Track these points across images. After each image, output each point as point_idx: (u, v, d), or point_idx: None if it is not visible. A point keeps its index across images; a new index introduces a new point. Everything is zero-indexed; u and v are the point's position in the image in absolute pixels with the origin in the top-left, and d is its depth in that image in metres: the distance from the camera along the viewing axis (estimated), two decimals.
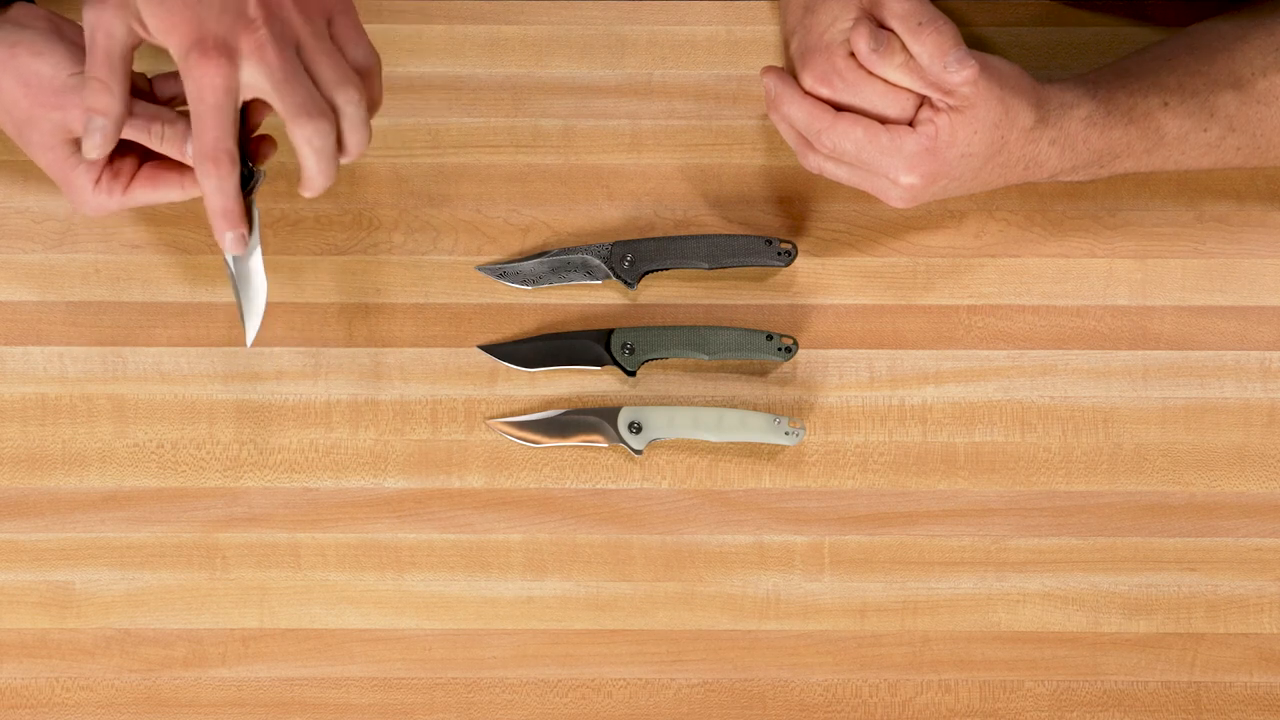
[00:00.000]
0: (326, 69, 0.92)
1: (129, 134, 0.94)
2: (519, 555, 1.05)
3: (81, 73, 0.94)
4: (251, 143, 0.97)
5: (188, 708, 1.04)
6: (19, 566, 1.05)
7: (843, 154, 0.97)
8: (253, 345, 1.03)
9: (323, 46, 0.92)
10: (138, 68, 0.97)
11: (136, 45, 0.92)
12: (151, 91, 0.99)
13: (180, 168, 0.97)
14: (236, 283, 0.98)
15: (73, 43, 0.96)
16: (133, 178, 0.97)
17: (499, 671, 1.05)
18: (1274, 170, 1.07)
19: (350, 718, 1.05)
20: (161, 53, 0.92)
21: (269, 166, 1.01)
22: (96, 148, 0.93)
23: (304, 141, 0.91)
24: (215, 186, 0.91)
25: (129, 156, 0.97)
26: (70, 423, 1.05)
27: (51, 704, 1.04)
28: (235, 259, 0.97)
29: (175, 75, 0.99)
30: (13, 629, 1.04)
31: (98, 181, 0.96)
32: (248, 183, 0.95)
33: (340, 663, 1.05)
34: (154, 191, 0.97)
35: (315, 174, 0.92)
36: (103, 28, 0.91)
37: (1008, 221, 1.08)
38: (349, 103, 0.92)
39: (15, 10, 0.97)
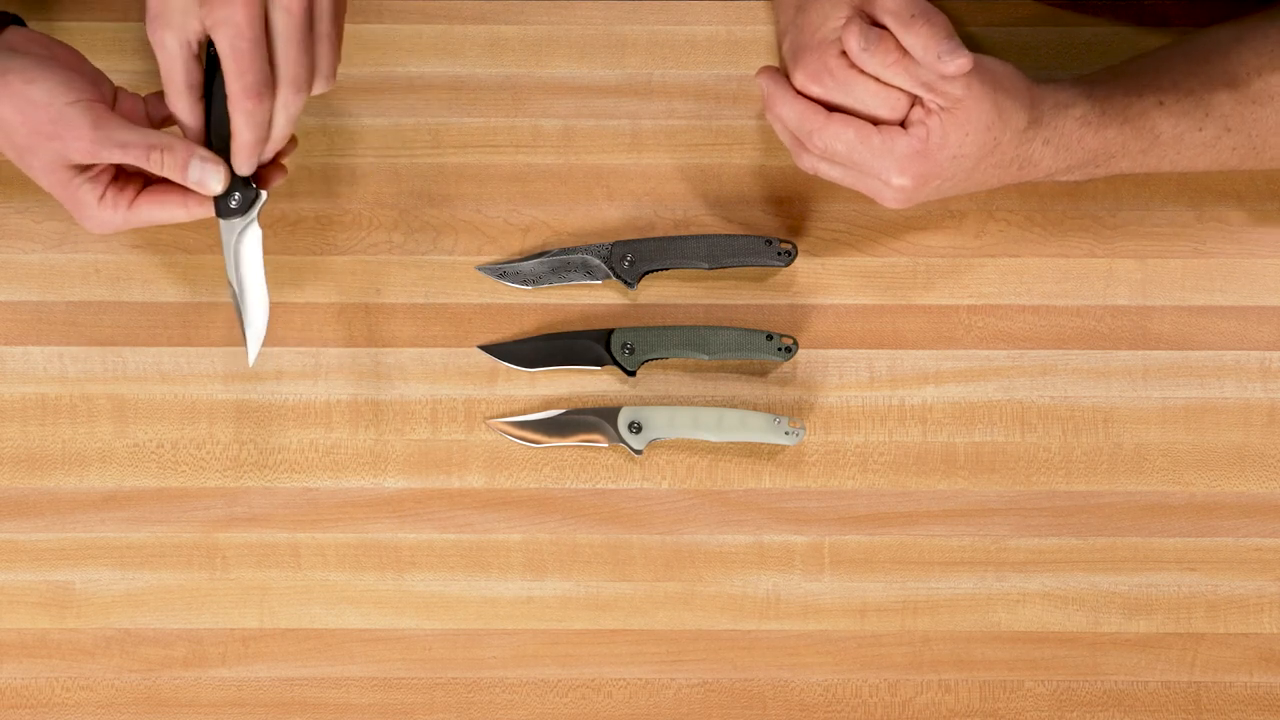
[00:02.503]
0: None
1: (128, 161, 0.95)
2: (519, 555, 1.05)
3: (77, 101, 0.94)
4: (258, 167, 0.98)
5: (188, 708, 1.04)
6: (19, 566, 1.05)
7: (834, 155, 0.97)
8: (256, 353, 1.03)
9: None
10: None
11: (202, 40, 0.93)
12: (145, 113, 0.99)
13: (183, 188, 0.97)
14: (239, 301, 0.99)
15: (68, 68, 0.95)
16: (138, 195, 0.97)
17: (499, 671, 1.05)
18: (1274, 170, 1.07)
19: (350, 718, 1.05)
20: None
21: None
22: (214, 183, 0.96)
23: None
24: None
25: (134, 175, 0.97)
26: (70, 423, 1.05)
27: (51, 704, 1.04)
28: (238, 280, 0.98)
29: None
30: (13, 629, 1.04)
31: (102, 198, 0.96)
32: (252, 205, 0.97)
33: (340, 663, 1.05)
34: (159, 208, 0.97)
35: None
36: (158, 46, 0.93)
37: (1008, 221, 1.08)
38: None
39: (10, 34, 0.96)
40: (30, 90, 0.94)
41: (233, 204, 0.97)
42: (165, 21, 0.92)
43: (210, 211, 0.97)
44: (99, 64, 1.07)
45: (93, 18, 1.08)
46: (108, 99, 0.97)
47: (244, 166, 0.96)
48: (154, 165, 0.95)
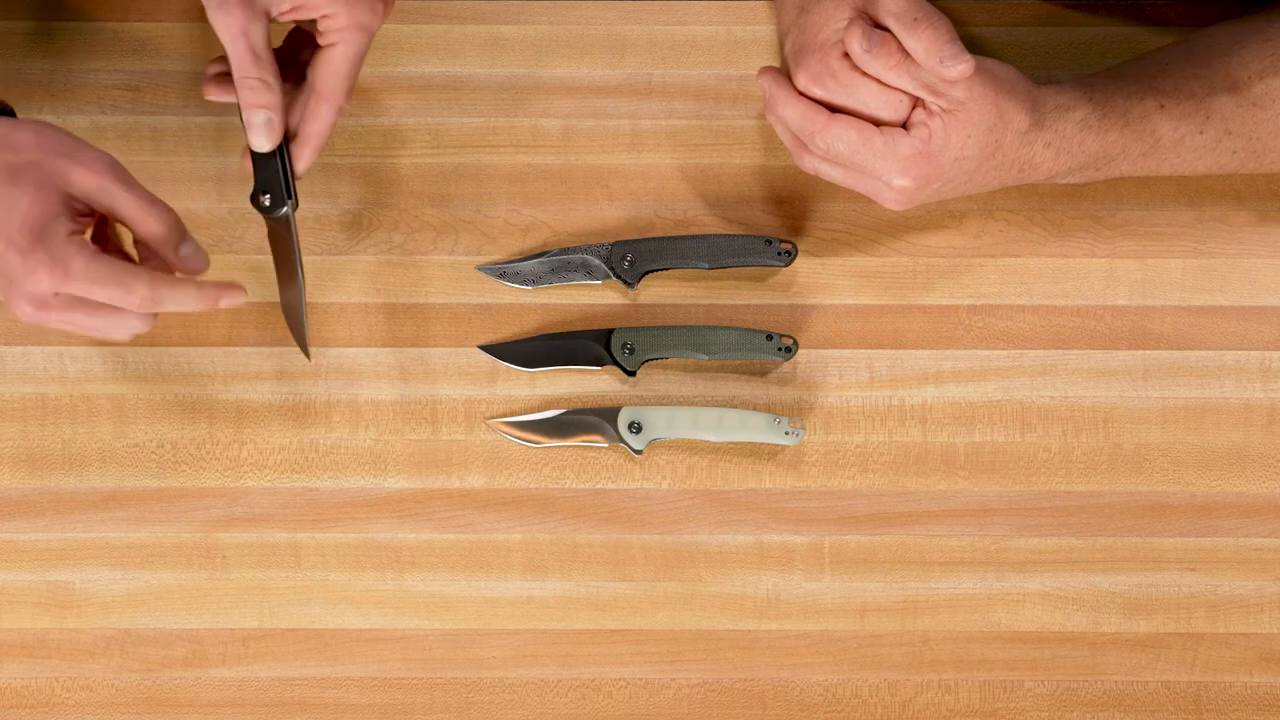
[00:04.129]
0: None
1: (130, 198, 0.92)
2: (519, 555, 1.05)
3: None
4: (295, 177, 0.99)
5: (188, 708, 1.04)
6: (19, 566, 1.05)
7: (836, 156, 0.97)
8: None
9: None
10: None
11: (270, 25, 0.95)
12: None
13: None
14: (302, 293, 1.00)
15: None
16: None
17: (499, 671, 1.05)
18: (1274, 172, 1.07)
19: (350, 718, 1.05)
20: None
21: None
22: (268, 140, 0.96)
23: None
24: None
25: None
26: (70, 423, 1.05)
27: (51, 704, 1.04)
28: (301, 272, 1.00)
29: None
30: (13, 629, 1.04)
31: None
32: (296, 194, 0.98)
33: (340, 663, 1.05)
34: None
35: None
36: (234, 27, 0.93)
37: (1008, 222, 1.08)
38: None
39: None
40: (54, 126, 0.92)
41: (288, 198, 0.98)
42: (254, 4, 0.93)
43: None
44: (96, 64, 1.08)
45: (92, 18, 1.08)
46: None
47: (312, 156, 0.98)
48: (156, 216, 0.93)
